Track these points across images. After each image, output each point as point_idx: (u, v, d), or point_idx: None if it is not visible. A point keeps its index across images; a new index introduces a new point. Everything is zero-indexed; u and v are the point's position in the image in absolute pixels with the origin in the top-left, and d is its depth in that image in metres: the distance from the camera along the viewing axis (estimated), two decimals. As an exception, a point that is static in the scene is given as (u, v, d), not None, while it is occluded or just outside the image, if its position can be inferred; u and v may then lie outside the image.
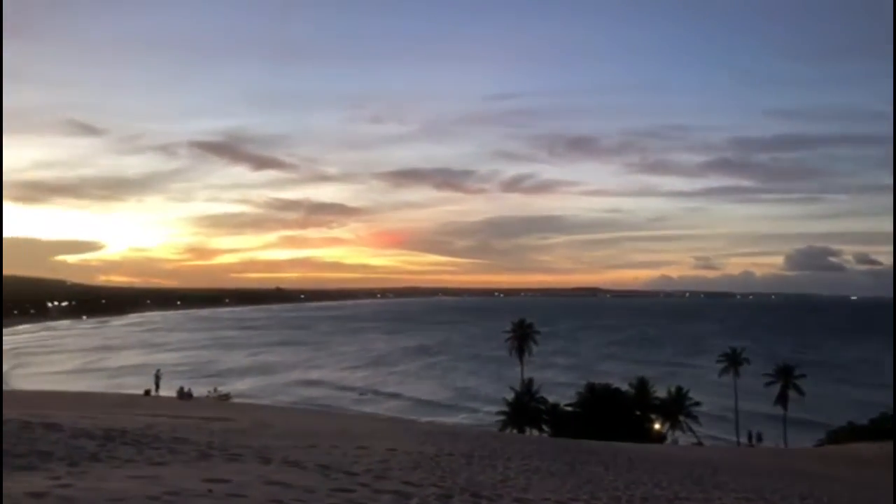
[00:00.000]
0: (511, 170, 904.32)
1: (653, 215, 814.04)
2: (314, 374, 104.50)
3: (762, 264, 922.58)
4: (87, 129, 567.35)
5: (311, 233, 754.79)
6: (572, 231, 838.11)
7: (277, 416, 27.26)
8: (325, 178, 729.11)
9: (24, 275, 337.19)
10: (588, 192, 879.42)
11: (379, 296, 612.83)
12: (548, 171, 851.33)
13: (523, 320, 77.96)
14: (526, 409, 56.32)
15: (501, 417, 57.00)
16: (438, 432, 22.09)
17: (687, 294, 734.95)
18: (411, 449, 14.60)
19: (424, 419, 53.88)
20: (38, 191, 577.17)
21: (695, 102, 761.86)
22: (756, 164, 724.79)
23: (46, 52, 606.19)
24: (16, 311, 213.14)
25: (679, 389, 59.49)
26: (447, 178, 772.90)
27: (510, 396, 58.91)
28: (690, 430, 57.93)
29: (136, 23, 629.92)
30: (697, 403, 59.36)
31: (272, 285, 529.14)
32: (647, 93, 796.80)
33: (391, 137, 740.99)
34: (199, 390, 53.61)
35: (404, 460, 12.24)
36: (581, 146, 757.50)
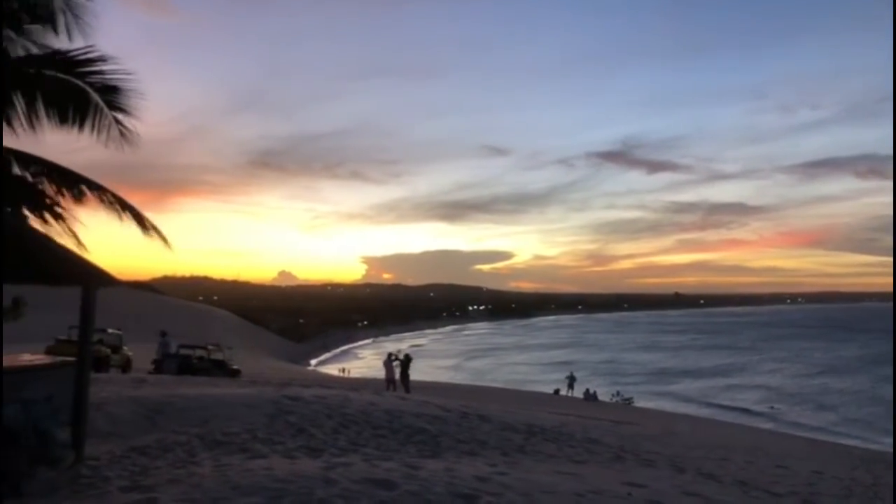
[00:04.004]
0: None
1: None
2: (719, 382, 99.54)
3: None
4: (497, 151, 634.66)
5: (710, 235, 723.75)
6: None
7: (682, 424, 26.73)
8: (722, 177, 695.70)
9: (450, 282, 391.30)
10: None
11: (789, 301, 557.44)
12: None
13: None
14: None
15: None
16: (873, 458, 19.26)
17: None
18: (840, 474, 13.06)
19: (851, 442, 47.30)
20: (460, 209, 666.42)
21: None
22: None
23: (460, 86, 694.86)
24: (444, 314, 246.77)
25: None
26: (874, 166, 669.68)
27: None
28: None
29: (532, 49, 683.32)
30: None
31: (670, 290, 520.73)
32: None
33: (801, 126, 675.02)
34: (603, 392, 55.22)
35: (833, 486, 11.00)
36: None
